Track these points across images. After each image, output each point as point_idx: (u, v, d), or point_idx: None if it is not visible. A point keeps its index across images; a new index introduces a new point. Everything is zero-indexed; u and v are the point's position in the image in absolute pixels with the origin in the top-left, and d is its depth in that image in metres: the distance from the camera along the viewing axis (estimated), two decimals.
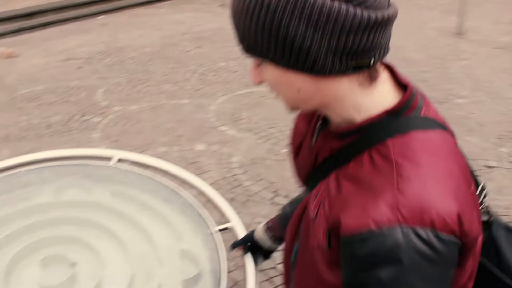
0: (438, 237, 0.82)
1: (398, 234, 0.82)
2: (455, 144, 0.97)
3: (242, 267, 1.81)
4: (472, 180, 0.98)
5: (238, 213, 2.03)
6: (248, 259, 1.78)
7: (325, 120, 1.05)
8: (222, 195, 2.15)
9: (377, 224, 0.83)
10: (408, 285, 0.84)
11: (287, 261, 1.25)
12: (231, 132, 5.11)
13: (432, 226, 0.82)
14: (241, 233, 1.89)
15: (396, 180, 0.86)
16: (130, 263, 1.80)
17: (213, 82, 6.37)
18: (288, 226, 1.22)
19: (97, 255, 1.83)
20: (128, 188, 2.14)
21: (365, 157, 0.92)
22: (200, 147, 4.78)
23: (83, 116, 5.50)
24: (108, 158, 2.26)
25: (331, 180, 0.97)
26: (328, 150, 1.02)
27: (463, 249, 0.87)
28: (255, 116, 5.45)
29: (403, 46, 7.50)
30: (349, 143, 0.97)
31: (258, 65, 0.95)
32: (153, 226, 1.97)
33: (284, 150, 4.73)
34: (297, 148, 1.21)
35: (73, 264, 1.76)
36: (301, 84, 0.91)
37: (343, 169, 0.96)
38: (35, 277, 1.73)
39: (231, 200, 3.91)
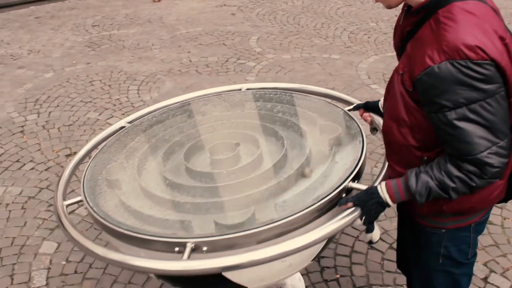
0: (472, 62, 1.32)
1: (447, 65, 1.34)
2: (490, 10, 1.45)
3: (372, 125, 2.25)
4: (507, 36, 1.44)
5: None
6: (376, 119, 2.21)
7: (409, 8, 1.59)
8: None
9: (433, 61, 1.36)
10: (465, 97, 1.35)
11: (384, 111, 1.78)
12: (382, 91, 5.06)
13: (466, 57, 1.32)
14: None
15: (441, 33, 1.37)
16: (282, 143, 2.12)
17: (364, 41, 6.33)
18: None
19: (253, 141, 2.17)
20: (257, 101, 2.55)
21: (427, 24, 1.45)
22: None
23: (238, 59, 5.76)
24: (239, 89, 2.73)
25: (409, 45, 1.54)
26: (409, 24, 1.58)
27: (501, 74, 1.37)
28: None
29: None
30: (419, 17, 1.50)
31: None
32: (290, 118, 2.34)
33: None
34: (395, 30, 1.77)
35: (237, 144, 2.13)
36: None
37: (415, 36, 1.51)
38: (207, 156, 2.14)
39: (382, 155, 3.94)
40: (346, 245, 2.99)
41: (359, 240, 3.02)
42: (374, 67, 5.56)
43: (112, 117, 4.49)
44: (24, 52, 6.08)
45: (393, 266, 2.86)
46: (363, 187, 1.72)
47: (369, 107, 2.21)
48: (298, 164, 1.92)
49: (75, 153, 3.88)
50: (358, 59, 5.79)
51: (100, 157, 2.24)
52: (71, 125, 4.34)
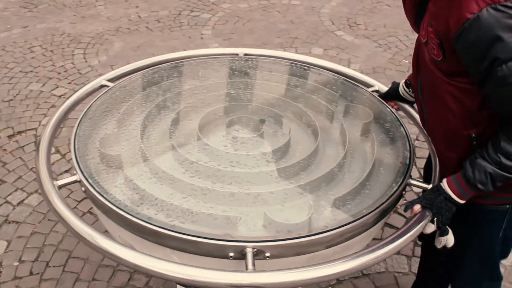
0: None
1: (489, 11, 1.15)
2: None
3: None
4: None
5: None
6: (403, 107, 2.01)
7: None
8: None
9: (471, 12, 1.17)
10: None
11: (417, 97, 1.63)
12: (348, 38, 4.78)
13: None
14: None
15: None
16: (312, 124, 1.89)
17: None
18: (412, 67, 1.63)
19: (277, 118, 1.93)
20: (256, 70, 2.27)
21: None
22: (317, 51, 4.51)
23: (192, 11, 5.31)
24: (236, 54, 2.40)
25: (431, 4, 1.34)
26: None
27: None
28: (372, 23, 5.06)
29: None
30: None
31: None
32: (312, 95, 2.10)
33: (406, 61, 4.39)
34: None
35: (261, 121, 1.86)
36: None
37: None
38: (223, 131, 1.85)
39: None
40: None
41: None
42: (337, 12, 5.23)
43: (57, 87, 4.05)
44: None
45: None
46: (424, 185, 1.55)
47: (390, 96, 2.00)
48: (342, 153, 1.71)
49: (18, 133, 3.49)
50: (319, 3, 5.43)
51: (87, 124, 1.83)
52: (11, 100, 3.88)
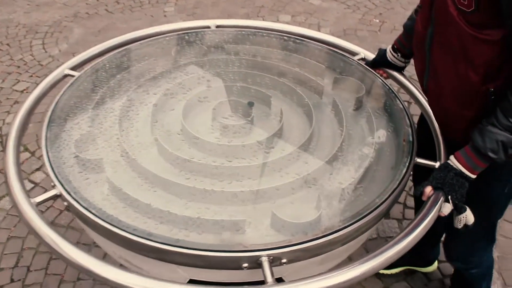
0: None
1: None
2: None
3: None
4: None
5: None
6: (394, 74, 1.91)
7: None
8: None
9: None
10: None
11: (421, 53, 1.48)
12: (315, 1, 4.65)
13: None
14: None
15: None
16: (305, 103, 1.78)
17: None
18: (418, 19, 1.49)
19: (265, 98, 1.80)
20: (243, 44, 2.12)
21: None
22: (285, 18, 4.38)
23: None
24: (208, 26, 2.22)
25: None
26: None
27: None
28: None
29: None
30: None
31: None
32: (298, 68, 1.97)
33: (377, 20, 4.30)
34: None
35: (249, 104, 1.71)
36: None
37: None
38: (208, 118, 1.70)
39: None
40: None
41: None
42: None
43: (18, 82, 3.85)
44: None
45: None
46: (432, 162, 1.46)
47: (377, 64, 1.91)
48: (340, 134, 1.60)
49: None
50: None
51: (57, 123, 1.62)
52: None
